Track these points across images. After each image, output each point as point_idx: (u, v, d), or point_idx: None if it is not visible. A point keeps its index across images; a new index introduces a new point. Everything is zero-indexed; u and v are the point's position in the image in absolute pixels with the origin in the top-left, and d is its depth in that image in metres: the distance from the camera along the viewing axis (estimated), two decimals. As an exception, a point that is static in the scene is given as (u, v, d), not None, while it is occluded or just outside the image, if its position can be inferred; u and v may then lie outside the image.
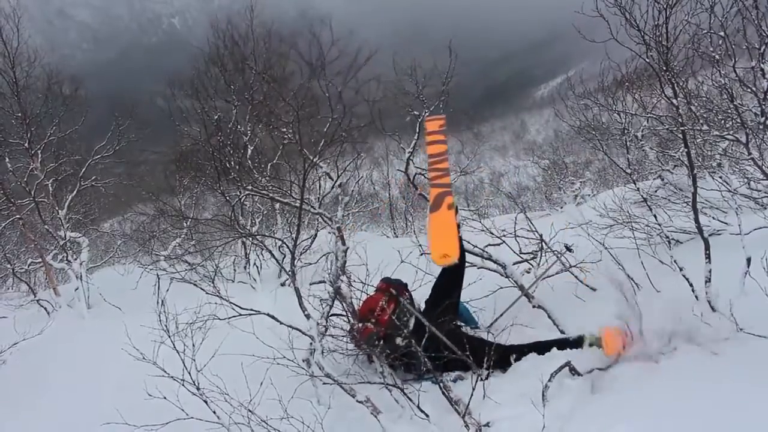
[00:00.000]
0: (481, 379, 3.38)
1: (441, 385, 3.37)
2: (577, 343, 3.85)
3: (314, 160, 5.22)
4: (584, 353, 3.65)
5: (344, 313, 4.41)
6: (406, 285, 4.65)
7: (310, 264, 8.33)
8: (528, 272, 5.44)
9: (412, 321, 4.19)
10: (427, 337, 3.87)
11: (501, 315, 4.84)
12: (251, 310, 4.07)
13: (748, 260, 3.43)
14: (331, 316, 4.45)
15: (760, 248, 3.30)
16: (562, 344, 3.91)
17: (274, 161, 8.74)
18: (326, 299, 4.41)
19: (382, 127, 5.59)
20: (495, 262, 5.00)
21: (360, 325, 4.13)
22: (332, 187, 5.50)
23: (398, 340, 3.91)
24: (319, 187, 8.85)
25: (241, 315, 4.06)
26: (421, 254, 6.31)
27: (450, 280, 4.52)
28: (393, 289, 4.45)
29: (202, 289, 4.75)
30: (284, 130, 5.61)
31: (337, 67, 5.24)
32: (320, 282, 7.27)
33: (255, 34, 8.36)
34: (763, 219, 4.61)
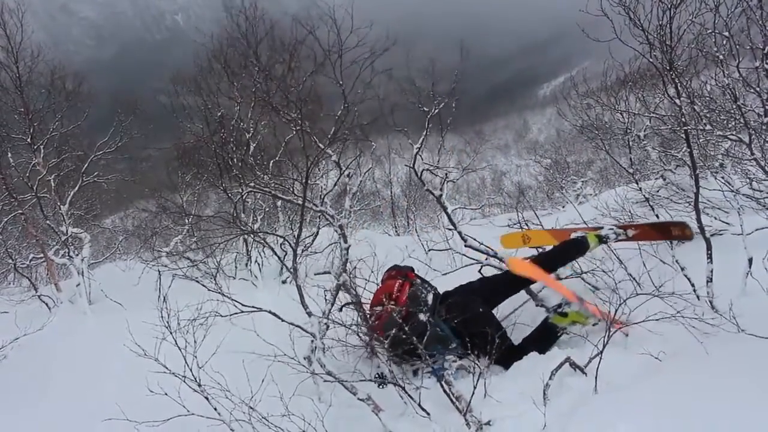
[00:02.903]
0: (483, 378, 3.38)
1: (442, 382, 3.38)
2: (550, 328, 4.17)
3: (324, 148, 5.22)
4: (584, 349, 3.67)
5: (351, 304, 4.41)
6: (412, 269, 4.74)
7: (316, 253, 8.35)
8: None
9: (430, 297, 4.28)
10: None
11: (507, 316, 4.86)
12: (253, 307, 4.07)
13: (750, 260, 3.44)
14: (339, 309, 4.46)
15: (762, 248, 3.31)
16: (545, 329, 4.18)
17: (277, 158, 8.74)
18: (330, 290, 4.43)
19: (393, 122, 5.63)
20: (501, 260, 5.02)
21: (380, 308, 4.18)
22: (339, 177, 5.49)
23: (421, 316, 3.96)
24: (323, 183, 8.85)
25: (242, 312, 4.06)
26: (428, 251, 6.35)
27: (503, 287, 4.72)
28: (402, 273, 4.56)
29: (203, 285, 4.76)
30: (290, 117, 5.58)
31: (353, 55, 5.21)
32: (325, 273, 7.28)
33: (257, 29, 8.36)
34: (765, 219, 4.61)
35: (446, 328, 4.16)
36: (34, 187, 8.17)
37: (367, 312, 4.36)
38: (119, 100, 10.69)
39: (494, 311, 4.58)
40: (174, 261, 8.44)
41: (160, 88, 11.86)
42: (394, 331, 3.85)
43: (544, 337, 4.14)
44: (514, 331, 4.53)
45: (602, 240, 4.89)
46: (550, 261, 4.78)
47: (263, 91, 7.67)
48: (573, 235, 5.06)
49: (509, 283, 4.67)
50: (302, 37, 6.55)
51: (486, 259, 5.23)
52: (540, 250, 5.57)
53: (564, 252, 4.88)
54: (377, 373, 3.97)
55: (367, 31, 5.30)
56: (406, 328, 3.61)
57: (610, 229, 4.94)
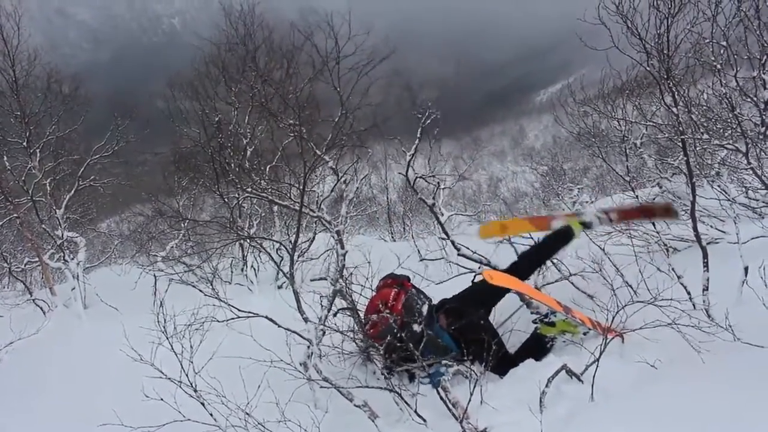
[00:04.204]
0: (480, 384, 3.38)
1: (439, 388, 3.37)
2: (539, 338, 4.18)
3: (321, 154, 5.23)
4: (580, 356, 3.67)
5: (348, 310, 4.40)
6: (408, 278, 4.72)
7: (312, 259, 8.33)
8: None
9: (425, 308, 4.26)
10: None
11: (503, 321, 4.85)
12: (250, 312, 4.06)
13: (746, 269, 3.45)
14: (334, 314, 4.45)
15: (758, 257, 3.31)
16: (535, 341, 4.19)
17: (273, 163, 8.75)
18: (327, 296, 4.42)
19: (385, 131, 5.65)
20: (494, 268, 5.01)
21: (375, 316, 4.14)
22: (336, 183, 5.50)
23: (415, 327, 3.95)
24: (320, 189, 8.86)
25: (239, 317, 4.05)
26: (421, 260, 6.31)
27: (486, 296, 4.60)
28: (399, 281, 4.54)
29: (200, 290, 4.74)
30: (289, 123, 5.59)
31: (350, 62, 5.22)
32: (321, 279, 7.26)
33: (255, 35, 8.37)
34: (761, 228, 4.62)
35: (446, 336, 4.16)
36: (29, 191, 8.16)
37: (363, 319, 4.35)
38: (116, 104, 10.71)
39: (490, 316, 4.57)
40: (170, 266, 8.42)
41: (157, 92, 11.85)
42: (389, 338, 3.84)
43: (535, 349, 4.13)
44: (510, 338, 4.52)
45: (586, 226, 4.77)
46: (536, 255, 4.70)
47: (261, 96, 7.69)
48: (554, 224, 4.90)
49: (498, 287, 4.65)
50: (300, 43, 6.57)
51: (479, 267, 5.23)
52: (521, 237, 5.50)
53: (549, 244, 4.77)
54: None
55: (365, 38, 5.32)
56: (403, 336, 3.61)
57: (594, 213, 4.77)
